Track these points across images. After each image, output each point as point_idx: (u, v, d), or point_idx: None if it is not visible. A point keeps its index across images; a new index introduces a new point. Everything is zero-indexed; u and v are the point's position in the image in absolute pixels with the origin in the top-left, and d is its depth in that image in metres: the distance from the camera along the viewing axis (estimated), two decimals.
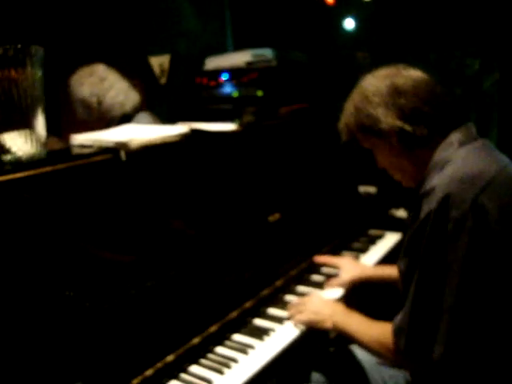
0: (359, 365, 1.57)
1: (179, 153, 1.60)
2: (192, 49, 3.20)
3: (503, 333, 1.11)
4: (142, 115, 2.15)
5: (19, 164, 1.33)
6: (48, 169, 1.32)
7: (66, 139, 1.65)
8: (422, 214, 1.13)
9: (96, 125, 2.05)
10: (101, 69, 2.15)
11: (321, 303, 1.56)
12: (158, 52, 3.06)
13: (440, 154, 1.23)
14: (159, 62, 3.01)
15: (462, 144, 1.22)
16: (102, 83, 2.12)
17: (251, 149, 1.90)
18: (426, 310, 1.12)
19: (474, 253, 1.08)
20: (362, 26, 3.87)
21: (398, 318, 1.21)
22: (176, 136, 1.55)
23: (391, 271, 1.71)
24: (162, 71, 3.02)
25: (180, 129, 1.61)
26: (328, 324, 1.47)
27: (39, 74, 1.35)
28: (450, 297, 1.08)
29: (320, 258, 1.90)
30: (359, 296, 1.84)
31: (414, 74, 1.30)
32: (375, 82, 1.30)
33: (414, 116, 1.25)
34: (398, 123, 1.24)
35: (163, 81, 3.03)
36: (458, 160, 1.18)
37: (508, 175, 1.17)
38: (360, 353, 1.59)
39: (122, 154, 1.43)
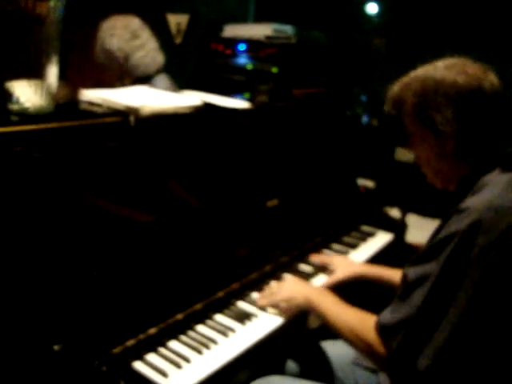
0: (335, 360, 1.58)
1: (189, 125, 1.57)
2: (212, 13, 3.12)
3: (492, 369, 1.12)
4: (161, 78, 2.11)
5: (25, 116, 1.29)
6: (54, 125, 1.29)
7: (72, 83, 1.60)
8: (448, 231, 1.11)
9: (112, 77, 2.00)
10: (136, 24, 2.09)
11: (296, 283, 1.57)
12: (177, 10, 2.97)
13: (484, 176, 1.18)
14: (176, 21, 2.93)
15: (504, 169, 1.16)
16: (133, 40, 2.06)
17: (260, 129, 1.87)
18: (426, 321, 1.11)
19: (490, 284, 1.07)
20: (382, 13, 3.80)
21: (390, 316, 1.19)
22: (188, 108, 1.51)
23: (383, 272, 1.72)
24: (179, 31, 2.94)
25: (193, 100, 1.57)
26: (300, 299, 1.45)
27: (58, 22, 1.30)
28: (453, 318, 1.08)
29: (315, 257, 1.89)
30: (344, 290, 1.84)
31: (498, 82, 1.19)
32: (458, 77, 1.17)
33: (481, 130, 1.18)
34: (463, 132, 1.17)
35: (178, 40, 2.96)
36: (498, 186, 1.12)
37: None
38: (334, 350, 1.60)
39: (132, 119, 1.40)
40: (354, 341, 1.28)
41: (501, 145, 1.21)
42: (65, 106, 1.51)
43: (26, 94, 1.30)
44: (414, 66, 1.32)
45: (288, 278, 1.71)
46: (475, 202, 1.11)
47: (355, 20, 3.81)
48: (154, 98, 1.55)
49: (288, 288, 1.54)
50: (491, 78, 1.18)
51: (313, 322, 1.88)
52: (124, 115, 1.43)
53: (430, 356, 1.09)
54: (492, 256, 1.06)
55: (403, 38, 3.67)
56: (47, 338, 1.19)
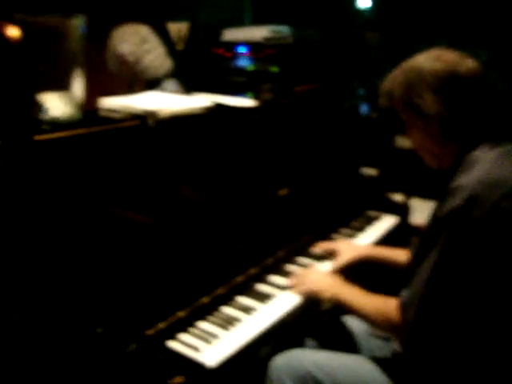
0: (350, 333, 1.71)
1: (202, 124, 1.70)
2: (211, 19, 3.25)
3: (499, 331, 1.24)
4: (170, 82, 2.24)
5: (56, 124, 1.43)
6: (84, 130, 1.42)
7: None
8: (445, 210, 1.22)
9: (123, 83, 2.13)
10: (145, 31, 2.22)
11: (321, 275, 1.69)
12: (177, 19, 3.11)
13: (471, 153, 1.29)
14: (177, 29, 3.06)
15: (491, 148, 1.28)
16: (143, 45, 2.19)
17: (267, 125, 2.00)
18: (437, 293, 1.24)
19: (491, 253, 1.19)
20: (374, 7, 3.92)
21: (406, 294, 1.32)
22: (201, 108, 1.64)
23: (387, 253, 1.84)
24: (180, 38, 3.07)
25: (205, 101, 1.70)
26: (328, 294, 1.57)
27: (81, 38, 1.43)
28: (459, 286, 1.20)
29: (321, 246, 1.99)
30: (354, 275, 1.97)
31: (475, 67, 1.30)
32: (435, 65, 1.30)
33: (461, 110, 1.29)
34: (445, 113, 1.29)
35: (180, 47, 3.09)
36: (487, 162, 1.24)
37: None
38: (351, 323, 1.73)
39: (151, 122, 1.53)
40: (381, 322, 1.42)
41: (486, 122, 1.33)
42: (88, 114, 1.64)
43: (56, 104, 1.43)
44: (408, 58, 1.45)
45: (315, 266, 1.83)
46: (467, 179, 1.23)
47: (348, 16, 3.93)
48: (168, 102, 1.68)
49: (315, 279, 1.66)
50: (467, 63, 1.30)
51: (324, 306, 2.01)
52: (142, 119, 1.56)
53: (444, 324, 1.22)
54: (488, 226, 1.18)
55: (396, 30, 3.79)
56: (91, 323, 1.32)
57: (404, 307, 1.32)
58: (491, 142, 1.30)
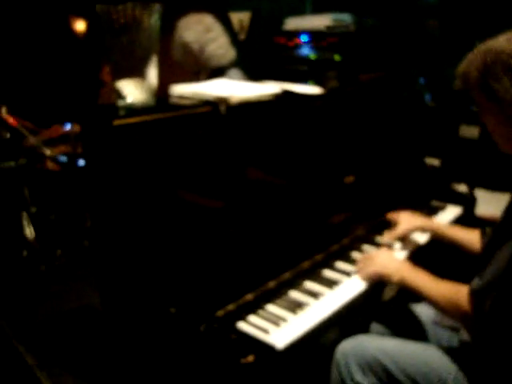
0: (417, 321, 1.70)
1: (271, 111, 1.72)
2: (272, 8, 3.27)
3: None
4: (234, 71, 2.27)
5: (133, 110, 1.48)
6: (159, 116, 1.47)
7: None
8: None
9: (188, 72, 2.18)
10: (209, 20, 2.26)
11: (389, 258, 1.66)
12: (239, 9, 3.14)
13: None
14: (239, 19, 3.10)
15: None
16: (207, 33, 2.23)
17: (333, 112, 2.00)
18: None
19: None
20: None
21: (479, 283, 1.30)
22: (270, 95, 1.66)
23: (457, 232, 1.80)
24: (242, 27, 3.10)
25: (272, 88, 1.72)
26: (396, 278, 1.55)
27: (157, 26, 1.48)
28: None
29: (387, 215, 1.98)
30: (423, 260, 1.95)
31: None
32: None
33: None
34: None
35: (242, 37, 3.13)
36: None
37: None
38: (419, 311, 1.72)
39: (223, 108, 1.56)
40: (451, 310, 1.40)
41: None
42: (160, 101, 1.69)
43: (132, 91, 1.49)
44: (468, 46, 1.41)
45: (383, 249, 1.81)
46: None
47: (409, 3, 3.85)
48: (237, 88, 1.71)
49: (382, 262, 1.64)
50: None
51: (386, 295, 2.01)
52: (214, 105, 1.60)
53: None
54: None
55: (456, 18, 3.69)
56: (166, 303, 1.38)
57: (477, 296, 1.30)
58: None
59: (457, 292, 1.38)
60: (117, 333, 1.54)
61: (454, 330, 1.63)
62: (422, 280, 1.50)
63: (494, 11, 3.44)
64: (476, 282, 1.33)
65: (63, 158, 2.65)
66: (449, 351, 1.49)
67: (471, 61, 1.33)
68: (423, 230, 1.88)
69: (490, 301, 1.26)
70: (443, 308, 1.42)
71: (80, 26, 3.80)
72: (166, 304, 1.39)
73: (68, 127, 2.77)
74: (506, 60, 1.25)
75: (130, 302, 1.44)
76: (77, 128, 2.73)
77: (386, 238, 1.87)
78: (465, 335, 1.54)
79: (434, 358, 1.47)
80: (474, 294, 1.31)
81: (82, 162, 2.52)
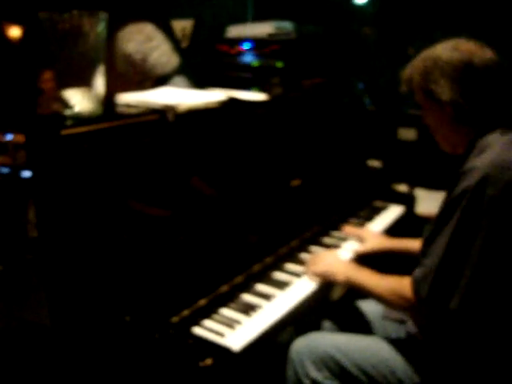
0: (365, 317, 1.77)
1: (218, 118, 1.75)
2: (214, 16, 3.30)
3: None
4: (179, 78, 2.27)
5: (81, 119, 1.47)
6: (108, 124, 1.46)
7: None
8: (460, 189, 1.30)
9: (132, 83, 2.17)
10: (149, 29, 2.25)
11: (334, 259, 1.74)
12: (181, 16, 3.15)
13: (482, 138, 1.38)
14: (182, 26, 3.11)
15: (503, 133, 1.37)
16: (148, 43, 2.22)
17: (278, 118, 2.06)
18: (451, 267, 1.31)
19: (501, 226, 1.27)
20: (372, 3, 3.97)
21: (419, 271, 1.39)
22: (217, 102, 1.69)
23: (408, 244, 1.90)
24: (184, 35, 3.12)
25: (219, 95, 1.75)
26: (341, 277, 1.63)
27: (103, 35, 1.48)
28: (473, 259, 1.28)
29: (348, 229, 2.08)
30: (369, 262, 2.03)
31: (491, 57, 1.38)
32: (452, 53, 1.38)
33: (474, 97, 1.37)
34: (459, 99, 1.37)
35: (185, 44, 3.14)
36: (498, 147, 1.34)
37: None
38: (366, 307, 1.79)
39: (171, 116, 1.58)
40: (395, 300, 1.47)
41: (498, 110, 1.40)
42: (108, 110, 1.68)
43: (79, 100, 1.47)
44: (404, 52, 1.53)
45: (328, 252, 1.88)
46: (481, 162, 1.31)
47: (346, 11, 3.98)
48: (184, 96, 1.73)
49: (328, 262, 1.72)
50: (484, 53, 1.38)
51: (334, 294, 2.07)
52: (161, 113, 1.61)
53: (458, 296, 1.28)
54: (500, 203, 1.26)
55: (392, 25, 3.85)
56: (120, 312, 1.37)
57: (417, 283, 1.38)
58: (502, 129, 1.38)
59: (399, 283, 1.46)
60: (68, 347, 1.51)
61: (401, 322, 1.70)
62: (366, 277, 1.57)
63: (424, 20, 3.61)
64: (416, 270, 1.41)
65: (4, 170, 2.56)
66: (396, 342, 1.56)
67: (414, 66, 1.46)
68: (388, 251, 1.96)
69: (427, 286, 1.34)
70: (388, 300, 1.49)
71: (15, 32, 3.70)
72: (121, 313, 1.38)
73: (9, 137, 2.69)
74: (443, 65, 1.38)
75: (82, 313, 1.43)
76: (19, 138, 2.65)
77: (355, 251, 1.94)
78: (411, 327, 1.62)
79: (383, 349, 1.54)
80: (414, 281, 1.40)
81: (26, 173, 2.45)
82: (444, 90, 1.37)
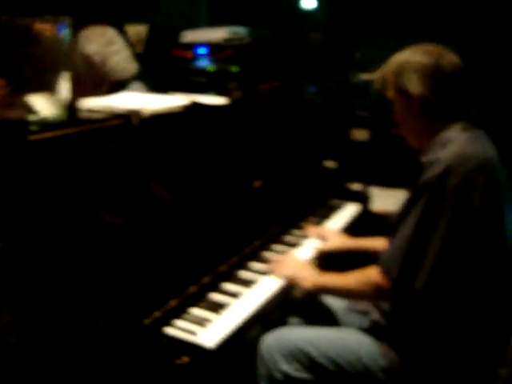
0: (330, 310, 1.84)
1: (179, 122, 1.78)
2: (168, 21, 3.31)
3: (473, 280, 1.42)
4: (136, 84, 2.28)
5: (45, 125, 1.47)
6: (72, 130, 1.47)
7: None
8: (425, 178, 1.41)
9: (89, 86, 2.16)
10: (111, 33, 2.24)
11: (298, 264, 1.81)
12: (135, 21, 3.15)
13: (446, 133, 1.50)
14: (136, 31, 3.10)
15: (464, 130, 1.49)
16: (109, 46, 2.20)
17: (238, 121, 2.11)
18: (418, 250, 1.41)
19: (462, 213, 1.38)
20: (319, 8, 4.09)
21: (387, 254, 1.48)
22: (180, 107, 1.72)
23: (368, 244, 1.99)
24: (139, 40, 3.11)
25: (181, 100, 1.78)
26: (308, 284, 1.69)
27: (67, 40, 1.48)
28: (438, 242, 1.38)
29: (309, 230, 2.15)
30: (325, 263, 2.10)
31: (456, 61, 1.52)
32: (421, 56, 1.51)
33: (442, 94, 1.49)
34: (428, 95, 1.49)
35: (139, 50, 3.13)
36: (460, 141, 1.46)
37: (494, 162, 1.47)
38: (330, 301, 1.86)
39: (135, 120, 1.60)
40: (364, 289, 1.55)
41: (461, 108, 1.53)
42: (72, 115, 1.67)
43: (44, 106, 1.47)
44: (351, 56, 1.64)
45: (291, 253, 1.96)
46: (444, 154, 1.44)
47: (295, 17, 4.08)
48: (147, 101, 1.75)
49: (294, 268, 1.78)
50: (450, 56, 1.52)
51: (297, 293, 2.13)
52: (126, 118, 1.62)
53: (423, 277, 1.39)
54: (462, 192, 1.38)
55: (340, 31, 3.98)
56: (93, 316, 1.38)
57: (387, 265, 1.47)
58: (463, 126, 1.50)
59: (364, 272, 1.56)
60: (38, 359, 1.49)
61: (365, 313, 1.78)
62: (331, 279, 1.66)
63: (370, 26, 3.76)
64: (384, 253, 1.50)
65: None
66: (362, 331, 1.64)
67: (387, 68, 1.59)
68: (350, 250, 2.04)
69: (397, 268, 1.44)
70: (358, 292, 1.57)
71: None
72: (95, 317, 1.39)
73: None
74: (415, 64, 1.51)
75: (54, 321, 1.42)
76: None
77: (317, 248, 2.02)
78: (375, 316, 1.69)
79: (349, 339, 1.61)
80: (383, 265, 1.49)
81: None
82: (415, 86, 1.49)
